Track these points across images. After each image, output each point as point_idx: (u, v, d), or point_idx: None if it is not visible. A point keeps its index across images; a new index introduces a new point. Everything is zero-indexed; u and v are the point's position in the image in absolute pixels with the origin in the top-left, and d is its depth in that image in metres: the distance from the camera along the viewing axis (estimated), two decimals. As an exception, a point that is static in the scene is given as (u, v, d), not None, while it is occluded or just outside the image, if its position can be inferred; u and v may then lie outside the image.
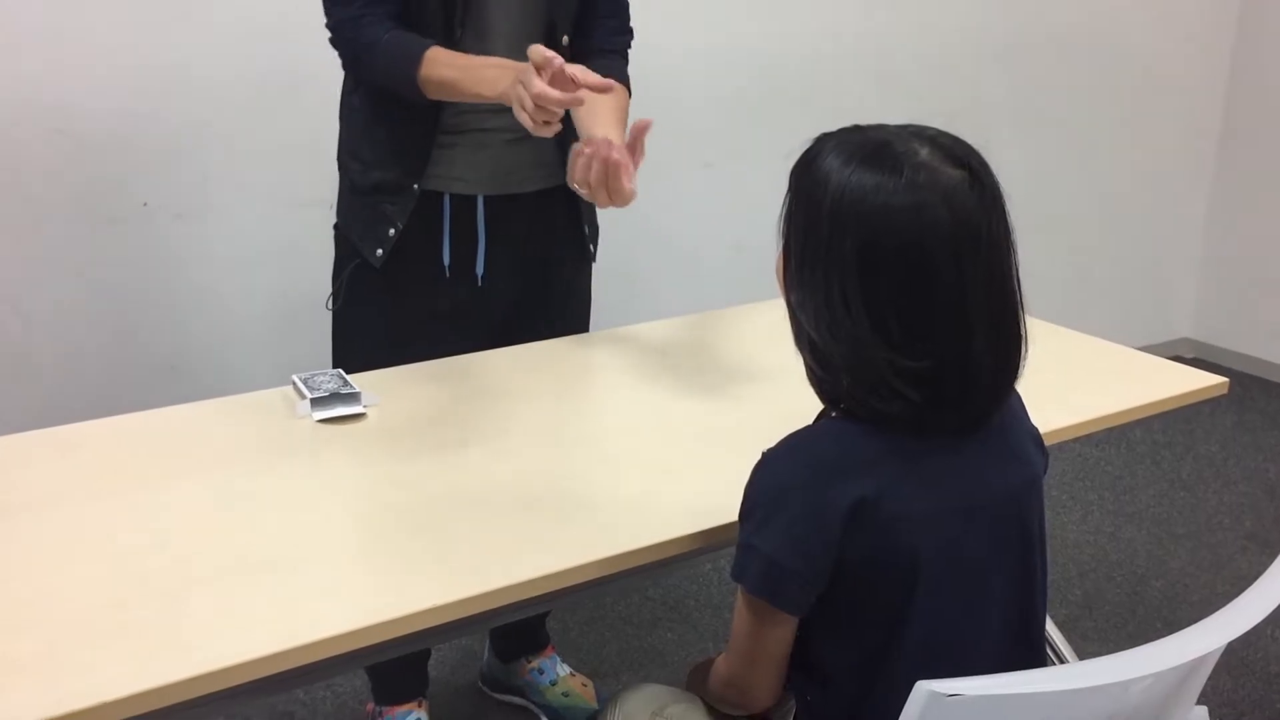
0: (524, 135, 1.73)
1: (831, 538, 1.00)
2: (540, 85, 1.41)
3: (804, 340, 1.08)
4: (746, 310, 1.94)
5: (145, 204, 2.28)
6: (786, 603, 1.04)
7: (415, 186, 1.70)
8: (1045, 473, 1.17)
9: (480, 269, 1.78)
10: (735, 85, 2.92)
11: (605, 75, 1.60)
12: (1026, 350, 1.07)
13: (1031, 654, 1.13)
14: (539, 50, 1.42)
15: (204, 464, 1.35)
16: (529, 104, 1.42)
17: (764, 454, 1.06)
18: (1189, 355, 4.07)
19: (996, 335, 1.03)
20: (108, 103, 2.19)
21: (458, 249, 1.75)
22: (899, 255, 1.00)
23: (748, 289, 2.46)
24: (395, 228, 1.70)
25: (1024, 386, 1.16)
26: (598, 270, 1.92)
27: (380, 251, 1.71)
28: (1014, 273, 1.06)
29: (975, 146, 1.08)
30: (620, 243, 2.18)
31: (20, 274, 2.19)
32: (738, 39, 2.89)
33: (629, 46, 1.84)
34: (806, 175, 1.07)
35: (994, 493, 1.07)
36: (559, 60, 1.41)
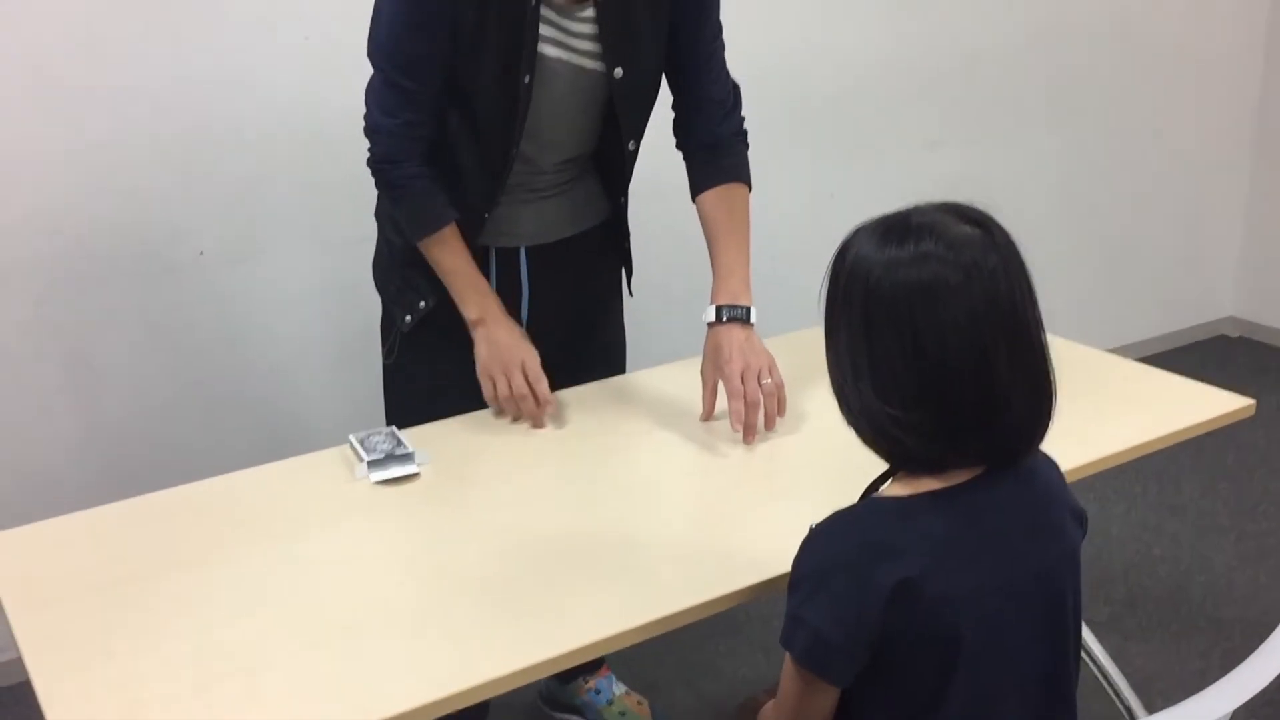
0: (562, 191, 1.81)
1: (875, 617, 1.05)
2: (532, 406, 1.67)
3: (842, 407, 1.13)
4: (786, 341, 1.98)
5: (201, 253, 2.37)
6: (830, 675, 1.10)
7: None
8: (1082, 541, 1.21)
9: (525, 315, 1.85)
10: (765, 94, 2.94)
11: (729, 178, 1.79)
12: (1055, 397, 1.10)
13: (1064, 708, 1.19)
14: (546, 390, 1.67)
15: (272, 531, 1.44)
16: (519, 383, 1.67)
17: (812, 529, 1.12)
18: (1234, 334, 4.06)
19: (1019, 381, 1.07)
20: (164, 158, 2.28)
21: (502, 298, 1.83)
22: (907, 308, 1.04)
23: (783, 293, 2.52)
24: (426, 301, 1.77)
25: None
26: (638, 288, 1.99)
27: (409, 319, 1.79)
28: (1036, 323, 1.09)
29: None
30: (656, 260, 2.24)
31: (88, 329, 2.29)
32: (765, 49, 2.92)
33: (743, 120, 1.83)
34: (836, 256, 1.12)
35: (1033, 569, 1.12)
36: (553, 408, 1.69)
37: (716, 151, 1.80)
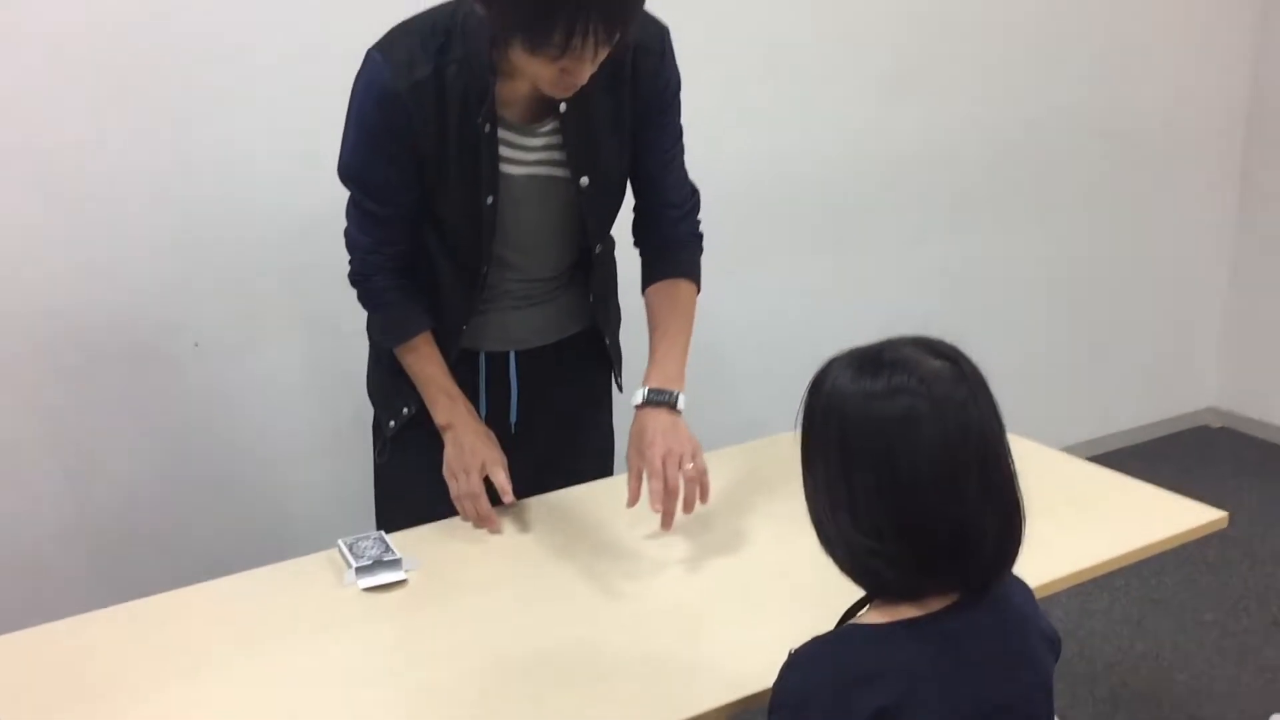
0: (551, 298, 1.86)
1: None
2: (485, 505, 1.71)
3: (820, 538, 1.17)
4: (773, 442, 2.00)
5: (196, 344, 2.41)
6: None
7: None
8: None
9: (514, 417, 1.89)
10: (752, 192, 3.02)
11: (677, 274, 1.82)
12: (1024, 524, 1.15)
13: None
14: (503, 478, 1.71)
15: (262, 639, 1.46)
16: (475, 482, 1.72)
17: (791, 654, 1.14)
18: (1216, 425, 4.11)
19: (992, 509, 1.11)
20: (160, 250, 2.33)
21: (491, 400, 1.87)
22: (882, 439, 1.08)
23: (777, 387, 2.55)
24: (408, 407, 1.81)
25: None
26: (629, 380, 2.01)
27: (393, 424, 1.83)
28: (1006, 452, 1.13)
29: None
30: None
31: (83, 417, 2.33)
32: (751, 148, 3.00)
33: (699, 224, 1.86)
34: (811, 389, 1.16)
35: (1007, 696, 1.14)
36: (509, 500, 1.72)
37: (669, 251, 1.84)
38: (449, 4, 1.55)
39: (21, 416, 2.28)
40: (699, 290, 1.85)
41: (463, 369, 1.82)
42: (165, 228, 2.32)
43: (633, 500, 1.69)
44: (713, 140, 2.90)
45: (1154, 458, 3.81)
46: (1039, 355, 3.69)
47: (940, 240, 3.38)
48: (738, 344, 3.08)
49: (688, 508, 1.67)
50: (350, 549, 1.63)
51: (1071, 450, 3.74)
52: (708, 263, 2.93)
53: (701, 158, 2.81)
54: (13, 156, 2.16)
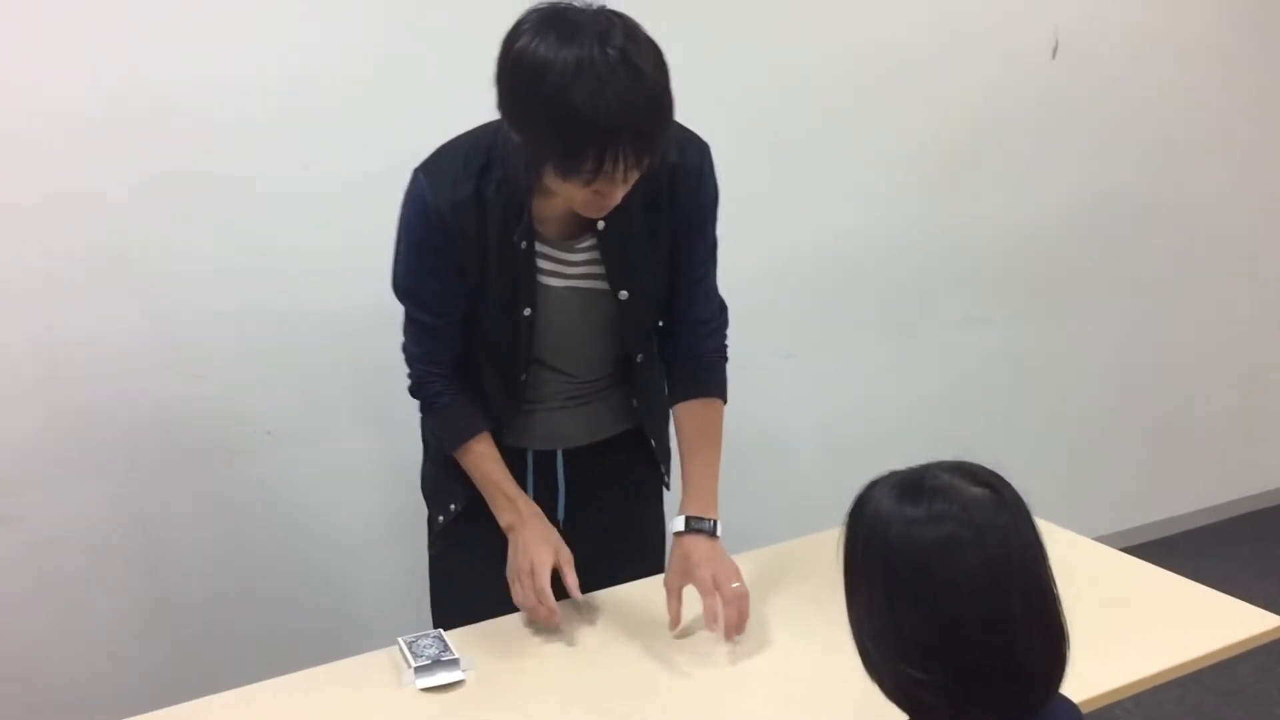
0: (598, 397, 1.90)
1: None
2: (550, 601, 1.71)
3: (865, 664, 1.19)
4: (831, 536, 2.01)
5: (269, 432, 2.49)
6: None
7: None
8: None
9: (561, 514, 1.93)
10: (810, 275, 3.06)
11: (705, 393, 1.83)
12: (1069, 648, 1.16)
13: None
14: (572, 575, 1.72)
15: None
16: (527, 589, 1.72)
17: None
18: (1291, 504, 4.03)
19: (1035, 635, 1.13)
20: (236, 340, 2.43)
21: (538, 498, 1.90)
22: (925, 567, 1.10)
23: (838, 469, 2.55)
24: (455, 503, 1.86)
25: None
26: (676, 481, 2.04)
27: (441, 519, 1.89)
28: (1049, 577, 1.14)
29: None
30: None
31: (152, 502, 2.41)
32: (811, 231, 3.04)
33: (725, 339, 1.88)
34: (852, 514, 1.19)
35: None
36: (577, 597, 1.74)
37: (696, 366, 1.86)
38: (493, 123, 1.61)
39: (105, 506, 2.37)
40: (725, 403, 1.87)
41: (511, 467, 1.85)
42: (239, 317, 2.41)
43: (675, 623, 1.73)
44: (771, 224, 2.95)
45: (1226, 539, 3.74)
46: (1107, 436, 3.66)
47: (1002, 323, 3.38)
48: (797, 427, 3.10)
49: (740, 629, 1.70)
50: (410, 648, 1.68)
51: (1142, 531, 3.71)
52: (767, 345, 3.01)
53: (760, 242, 2.91)
54: (98, 255, 2.27)
